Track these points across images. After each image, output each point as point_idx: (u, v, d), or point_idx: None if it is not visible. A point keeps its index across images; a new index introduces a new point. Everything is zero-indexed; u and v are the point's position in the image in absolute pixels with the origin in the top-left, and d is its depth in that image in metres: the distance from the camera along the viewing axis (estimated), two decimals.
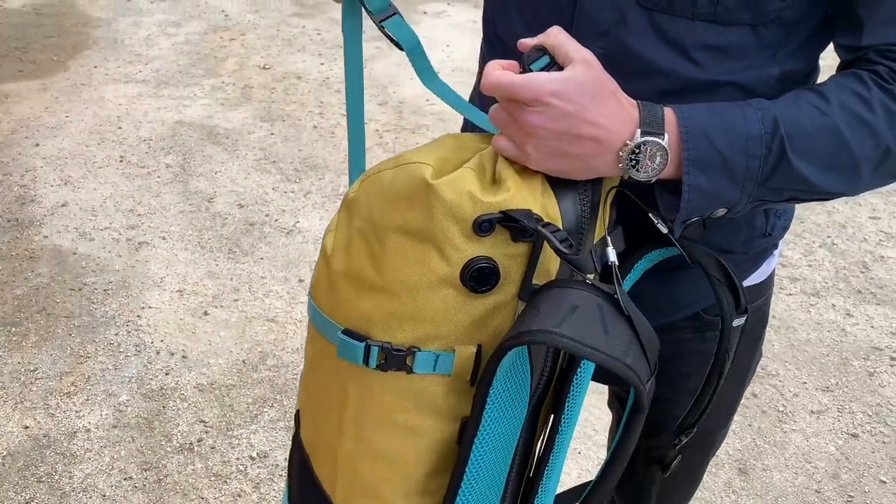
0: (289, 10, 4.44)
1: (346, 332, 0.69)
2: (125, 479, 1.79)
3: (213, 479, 1.81)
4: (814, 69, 0.78)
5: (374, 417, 0.70)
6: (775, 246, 0.92)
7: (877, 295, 2.53)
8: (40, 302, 2.27)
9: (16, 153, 2.96)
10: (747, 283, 0.89)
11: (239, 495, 1.77)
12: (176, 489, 1.78)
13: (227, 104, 3.42)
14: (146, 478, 1.80)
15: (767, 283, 0.93)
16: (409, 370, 0.67)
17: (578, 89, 0.63)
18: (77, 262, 2.44)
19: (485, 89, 0.65)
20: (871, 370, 2.24)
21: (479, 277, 0.64)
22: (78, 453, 1.84)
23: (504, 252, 0.65)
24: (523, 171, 0.67)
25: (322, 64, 3.83)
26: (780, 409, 2.10)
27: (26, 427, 1.90)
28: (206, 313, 2.28)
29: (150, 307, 2.29)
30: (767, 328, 2.39)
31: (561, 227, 0.66)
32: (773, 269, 0.94)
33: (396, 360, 0.67)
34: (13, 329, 2.17)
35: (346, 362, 0.69)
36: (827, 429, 2.05)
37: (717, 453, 1.94)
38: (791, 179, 0.68)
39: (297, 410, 0.82)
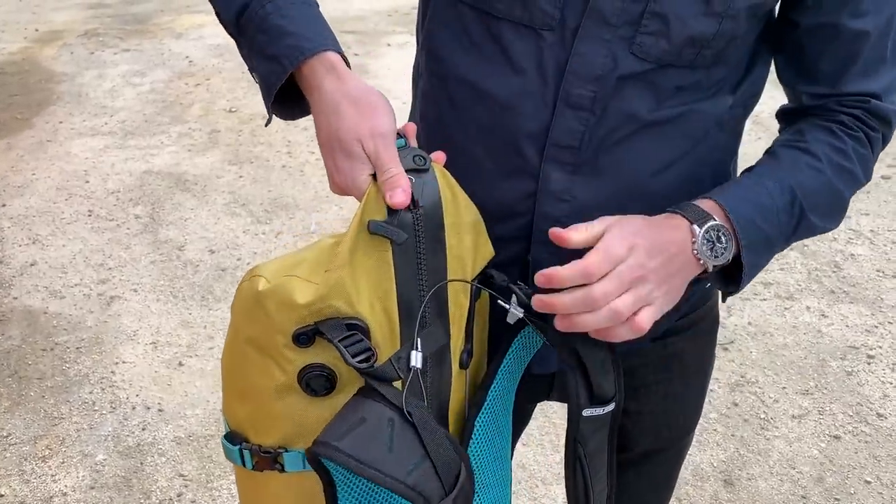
0: None
1: (227, 435, 0.74)
2: None
3: None
4: (756, 101, 0.85)
5: None
6: None
7: (850, 293, 2.54)
8: (12, 365, 2.25)
9: None
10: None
11: None
12: None
13: (194, 150, 3.42)
14: None
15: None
16: (282, 468, 0.71)
17: (631, 228, 0.69)
18: (48, 322, 2.41)
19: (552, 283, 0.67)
20: (849, 369, 2.24)
21: (314, 385, 0.68)
22: None
23: (335, 356, 0.67)
24: (355, 261, 0.67)
25: None
26: (762, 416, 2.10)
27: (1, 496, 1.86)
28: (181, 364, 2.26)
29: (124, 362, 2.27)
30: (744, 335, 2.39)
31: (369, 333, 0.67)
32: None
33: (267, 461, 0.71)
34: None
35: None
36: (809, 432, 2.05)
37: (699, 466, 1.94)
38: (808, 232, 0.79)
39: None
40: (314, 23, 0.76)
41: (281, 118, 0.81)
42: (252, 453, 0.71)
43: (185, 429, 2.05)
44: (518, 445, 1.98)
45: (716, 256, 0.71)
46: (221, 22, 0.83)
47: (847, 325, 2.41)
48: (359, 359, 0.64)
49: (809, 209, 0.77)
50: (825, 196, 0.79)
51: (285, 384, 0.68)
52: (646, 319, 0.68)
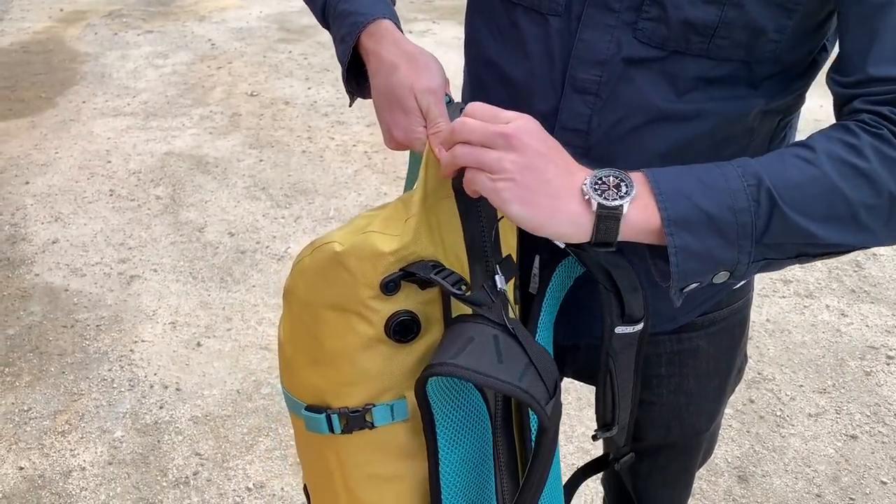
0: (275, 35, 4.47)
1: (309, 407, 0.76)
2: None
3: None
4: (798, 105, 0.80)
5: (357, 476, 0.76)
6: None
7: (871, 293, 2.52)
8: (33, 341, 2.27)
9: (6, 192, 2.97)
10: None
11: None
12: None
13: (215, 133, 3.43)
14: None
15: (746, 287, 0.94)
16: (371, 426, 0.74)
17: (535, 129, 0.66)
18: (69, 299, 2.44)
19: (450, 139, 0.67)
20: (868, 370, 2.23)
21: (401, 330, 0.71)
22: (74, 492, 1.84)
23: (418, 301, 0.72)
24: (427, 211, 0.71)
25: (309, 88, 3.85)
26: (778, 413, 2.09)
27: (21, 468, 1.89)
28: (199, 344, 2.28)
29: (142, 341, 2.29)
30: (762, 332, 2.38)
31: (456, 269, 0.72)
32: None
33: (357, 420, 0.74)
34: (6, 369, 2.17)
35: (324, 434, 0.75)
36: (825, 431, 2.04)
37: (714, 461, 1.93)
38: (790, 233, 0.65)
39: (304, 484, 0.88)
40: None
41: (362, 97, 0.88)
42: (340, 416, 0.73)
43: (202, 408, 2.07)
44: None
45: (606, 197, 0.64)
46: (322, 24, 0.91)
47: (867, 325, 2.39)
48: (455, 287, 0.68)
49: (786, 202, 0.64)
50: (816, 192, 0.65)
51: (373, 336, 0.71)
52: (495, 188, 0.64)
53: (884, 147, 0.65)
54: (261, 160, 3.23)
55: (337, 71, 3.77)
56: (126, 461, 1.91)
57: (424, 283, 0.70)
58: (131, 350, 2.25)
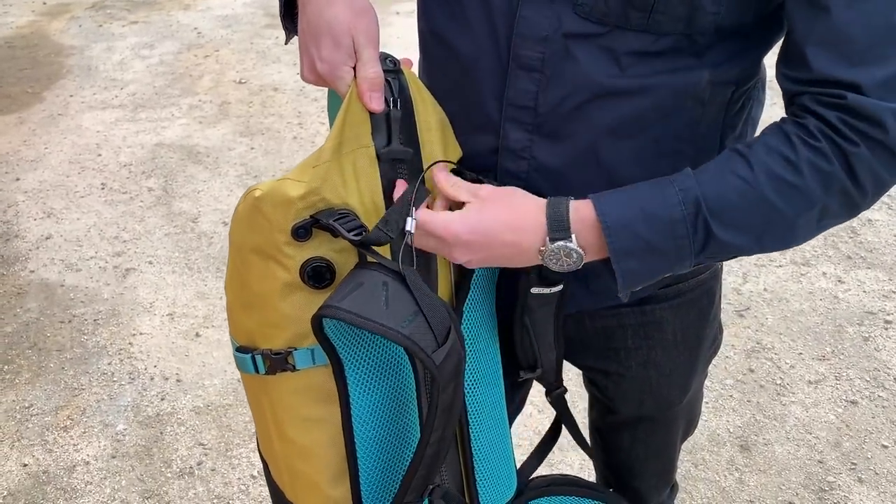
0: (261, 21, 4.42)
1: (239, 348, 0.79)
2: None
3: (215, 501, 1.80)
4: (752, 76, 0.78)
5: (287, 419, 0.79)
6: None
7: (867, 259, 2.53)
8: (31, 337, 2.27)
9: None
10: None
11: None
12: None
13: (205, 122, 3.41)
14: None
15: None
16: (293, 368, 0.76)
17: (480, 226, 0.73)
18: (65, 295, 2.43)
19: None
20: (866, 335, 2.23)
21: (315, 276, 0.73)
22: (78, 487, 1.84)
23: (332, 248, 0.74)
24: (343, 157, 0.74)
25: (298, 74, 3.82)
26: (778, 382, 2.10)
27: (25, 465, 1.89)
28: (197, 335, 2.28)
29: (141, 333, 2.28)
30: (760, 302, 2.38)
31: (361, 213, 0.74)
32: None
33: (279, 362, 0.76)
34: (5, 367, 2.17)
35: (255, 376, 0.78)
36: (826, 398, 2.05)
37: (716, 431, 1.94)
38: (725, 250, 0.71)
39: (258, 448, 0.92)
40: None
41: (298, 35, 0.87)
42: (264, 357, 0.76)
43: (203, 398, 2.07)
44: (533, 412, 1.99)
45: (560, 266, 0.73)
46: None
47: (864, 291, 2.39)
48: (352, 234, 0.70)
49: (722, 225, 0.69)
50: (752, 213, 0.69)
51: (289, 282, 0.74)
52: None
53: (820, 162, 0.67)
54: (252, 148, 3.21)
55: None
56: (130, 454, 1.92)
57: (334, 231, 0.72)
58: (130, 343, 2.25)
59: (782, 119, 0.71)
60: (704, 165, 0.71)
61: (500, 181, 0.80)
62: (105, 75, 3.84)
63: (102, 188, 2.96)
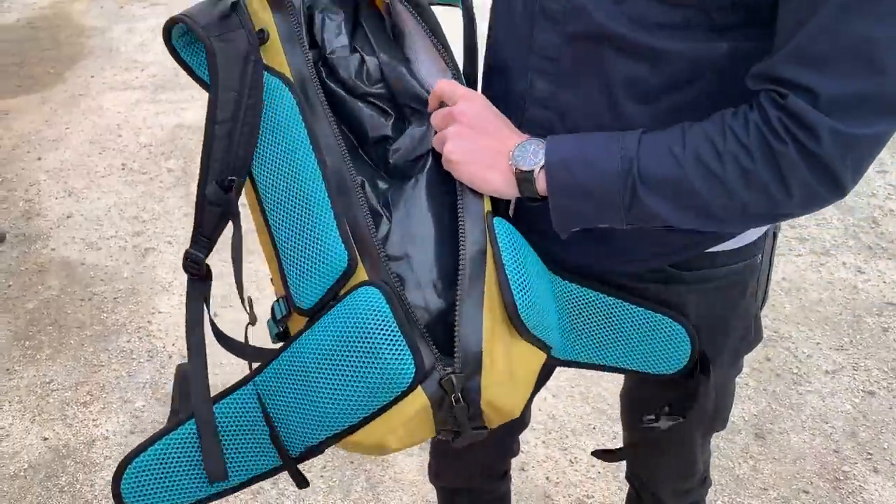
0: None
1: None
2: None
3: None
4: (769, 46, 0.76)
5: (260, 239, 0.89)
6: None
7: (888, 250, 2.50)
8: (52, 314, 2.30)
9: (19, 168, 2.99)
10: (722, 246, 0.88)
11: (258, 492, 1.79)
12: None
13: None
14: None
15: (748, 249, 0.91)
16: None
17: (488, 111, 0.81)
18: (85, 273, 2.46)
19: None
20: (885, 326, 2.21)
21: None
22: (98, 461, 1.87)
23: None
24: None
25: None
26: (795, 371, 2.09)
27: (45, 439, 1.92)
28: (215, 314, 2.29)
29: (160, 312, 2.31)
30: (778, 291, 2.36)
31: None
32: (761, 237, 0.93)
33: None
34: (27, 343, 2.20)
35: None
36: (843, 388, 2.03)
37: (731, 419, 1.93)
38: (648, 217, 0.75)
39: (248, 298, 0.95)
40: None
41: None
42: None
43: (220, 377, 2.08)
44: (548, 396, 1.99)
45: (523, 158, 0.78)
46: None
47: (884, 282, 2.37)
48: None
49: (647, 190, 0.72)
50: (675, 189, 0.72)
51: None
52: (447, 157, 0.80)
53: (743, 158, 0.68)
54: None
55: None
56: (148, 430, 1.94)
57: None
58: (149, 321, 2.27)
59: (735, 108, 0.71)
60: (660, 130, 0.74)
61: (527, 130, 0.82)
62: (126, 56, 3.86)
63: (123, 168, 2.99)
